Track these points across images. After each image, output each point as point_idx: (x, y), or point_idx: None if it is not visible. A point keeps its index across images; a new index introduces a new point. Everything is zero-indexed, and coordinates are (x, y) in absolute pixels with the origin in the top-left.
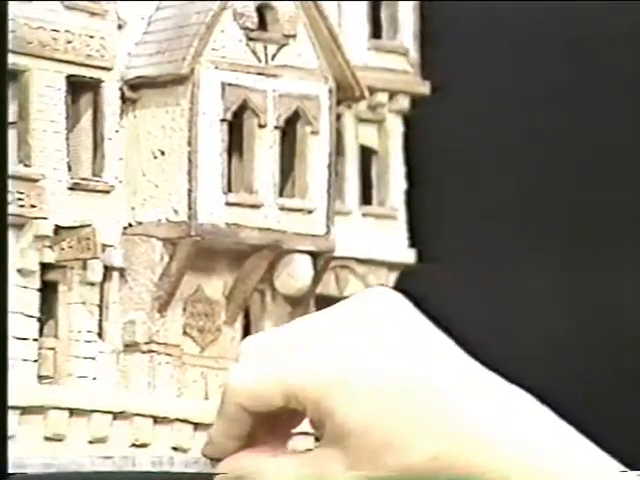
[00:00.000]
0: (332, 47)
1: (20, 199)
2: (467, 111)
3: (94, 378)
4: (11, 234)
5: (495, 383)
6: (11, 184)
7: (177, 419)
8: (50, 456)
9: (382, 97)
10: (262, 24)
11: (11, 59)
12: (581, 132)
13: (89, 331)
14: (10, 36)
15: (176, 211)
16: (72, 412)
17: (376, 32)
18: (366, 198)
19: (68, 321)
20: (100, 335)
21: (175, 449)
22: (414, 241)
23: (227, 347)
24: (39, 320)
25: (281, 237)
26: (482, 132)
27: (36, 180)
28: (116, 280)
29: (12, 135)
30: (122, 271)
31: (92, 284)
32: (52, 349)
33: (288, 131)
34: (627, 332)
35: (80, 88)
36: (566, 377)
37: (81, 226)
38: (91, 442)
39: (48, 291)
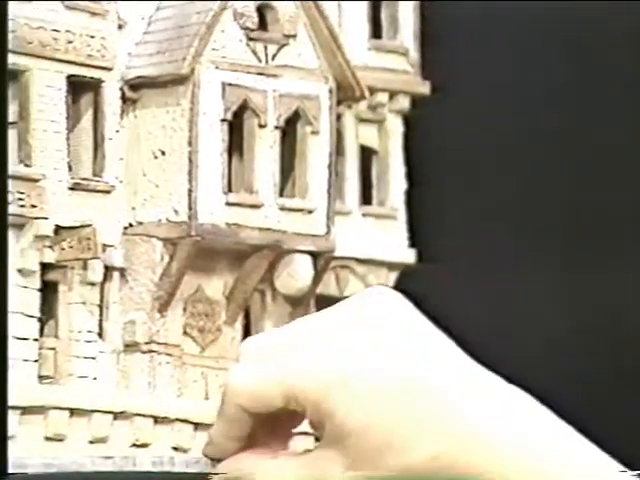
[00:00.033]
0: (332, 47)
1: (20, 199)
2: (467, 111)
3: (94, 378)
4: (11, 234)
5: (495, 383)
6: (12, 184)
7: (177, 419)
8: (51, 456)
9: (382, 97)
10: (262, 24)
11: (12, 59)
12: (581, 132)
13: (89, 331)
14: (10, 36)
15: (176, 211)
16: (72, 412)
17: (376, 32)
18: (366, 198)
19: (68, 321)
20: (100, 335)
21: (175, 449)
22: (414, 241)
23: (227, 347)
24: (39, 320)
25: (281, 237)
26: (482, 132)
27: (37, 180)
28: (116, 280)
29: (13, 135)
30: (122, 271)
31: (92, 284)
32: (52, 349)
33: (288, 131)
34: (627, 332)
35: (81, 88)
36: (566, 377)
37: (81, 226)
38: (91, 442)
39: (48, 291)
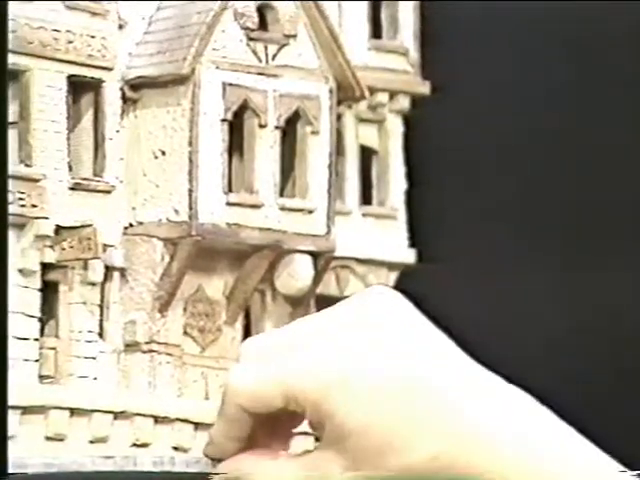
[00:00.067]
0: (332, 47)
1: (21, 199)
2: (467, 111)
3: (95, 378)
4: (12, 234)
5: (495, 383)
6: (12, 184)
7: (178, 419)
8: (51, 456)
9: (382, 97)
10: (263, 24)
11: (12, 59)
12: (581, 132)
13: (90, 331)
14: (11, 36)
15: (177, 211)
16: (73, 412)
17: (376, 32)
18: (366, 198)
19: (69, 321)
20: (101, 335)
21: (176, 449)
22: (414, 241)
23: (227, 347)
24: (40, 320)
25: (282, 237)
26: (482, 132)
27: (37, 180)
28: (117, 280)
29: (13, 135)
30: (123, 271)
31: (93, 284)
32: (53, 349)
33: (288, 131)
34: (627, 332)
35: (81, 88)
36: (566, 377)
37: (82, 226)
38: (92, 442)
39: (49, 291)
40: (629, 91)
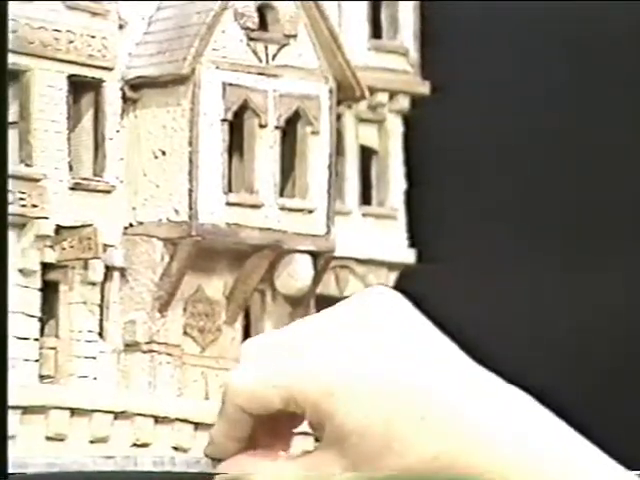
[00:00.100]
0: (332, 47)
1: (22, 199)
2: (467, 111)
3: (95, 378)
4: (12, 234)
5: (495, 384)
6: (12, 184)
7: (177, 419)
8: (52, 456)
9: (382, 97)
10: (263, 24)
11: (13, 59)
12: (581, 132)
13: (90, 331)
14: (12, 36)
15: (177, 211)
16: (73, 412)
17: (376, 32)
18: (366, 198)
19: (69, 321)
20: (101, 335)
21: (176, 449)
22: (414, 241)
23: (227, 347)
24: (40, 320)
25: (281, 237)
26: (482, 132)
27: (37, 180)
28: (117, 280)
29: (14, 135)
30: (123, 271)
31: (93, 284)
32: (53, 349)
33: (288, 131)
34: (627, 332)
35: (81, 88)
36: (566, 377)
37: (82, 226)
38: (92, 442)
39: (49, 291)
40: (629, 91)
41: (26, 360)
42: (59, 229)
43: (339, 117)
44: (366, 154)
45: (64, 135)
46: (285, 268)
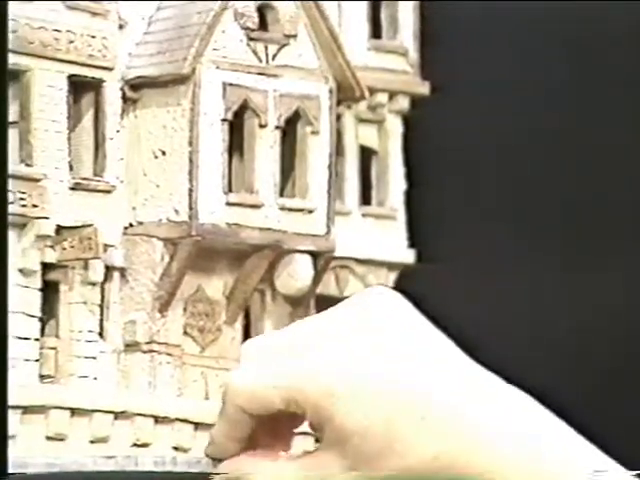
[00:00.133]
0: (332, 47)
1: (22, 199)
2: (467, 111)
3: (95, 378)
4: (13, 234)
5: (495, 384)
6: (13, 184)
7: (177, 419)
8: (52, 456)
9: (382, 97)
10: (263, 24)
11: (13, 59)
12: (581, 132)
13: (90, 331)
14: (12, 36)
15: (177, 211)
16: (73, 412)
17: (376, 32)
18: (366, 198)
19: (69, 321)
20: (101, 335)
21: (176, 449)
22: (414, 241)
23: (227, 347)
24: (40, 320)
25: (281, 237)
26: (482, 132)
27: (38, 180)
28: (117, 280)
29: (14, 135)
30: (123, 271)
31: (93, 284)
32: (53, 349)
33: (288, 131)
34: (627, 332)
35: (82, 88)
36: (566, 377)
37: (82, 226)
38: (92, 442)
39: (49, 291)
40: (629, 91)
41: (26, 360)
42: (59, 229)
43: (339, 117)
44: (366, 154)
45: (64, 135)
46: (285, 268)
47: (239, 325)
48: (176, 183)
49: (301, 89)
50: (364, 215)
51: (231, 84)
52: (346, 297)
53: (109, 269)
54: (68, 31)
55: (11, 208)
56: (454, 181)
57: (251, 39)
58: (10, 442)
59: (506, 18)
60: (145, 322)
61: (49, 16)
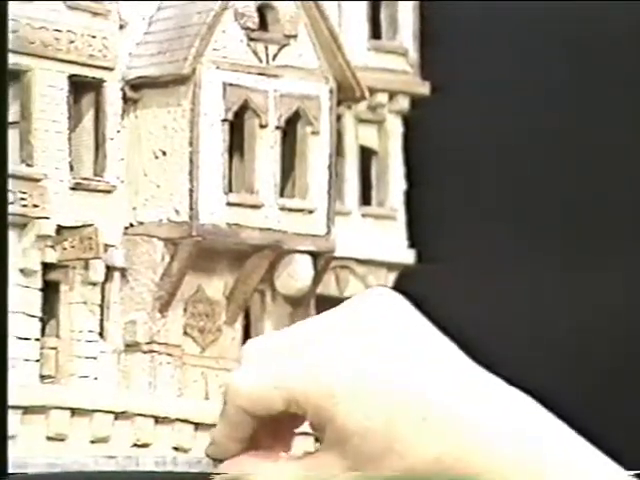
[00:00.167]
0: (332, 47)
1: (22, 199)
2: (467, 111)
3: (96, 378)
4: (13, 234)
5: (495, 385)
6: (13, 184)
7: (178, 419)
8: (53, 456)
9: (382, 98)
10: (263, 24)
11: (13, 59)
12: (581, 132)
13: (90, 331)
14: (12, 36)
15: (177, 211)
16: (74, 412)
17: (376, 32)
18: (366, 199)
19: (70, 321)
20: (101, 335)
21: (176, 449)
22: (413, 241)
23: (227, 347)
24: (41, 320)
25: (282, 237)
26: (482, 132)
27: (38, 180)
28: (117, 280)
29: (14, 135)
30: (123, 271)
31: (94, 284)
32: (54, 349)
33: (289, 131)
34: (627, 332)
35: (82, 88)
36: (566, 377)
37: (83, 226)
38: (93, 442)
39: (50, 291)
40: (629, 91)
41: (27, 360)
42: (60, 229)
43: (339, 118)
44: (366, 154)
45: (65, 135)
46: (285, 268)
47: (239, 325)
48: (176, 183)
49: (301, 89)
50: (364, 215)
51: (231, 84)
52: (346, 297)
53: (109, 269)
54: (69, 31)
55: (12, 208)
56: (454, 181)
57: (251, 39)
58: (10, 442)
59: (506, 18)
60: (145, 322)
61: (50, 16)
